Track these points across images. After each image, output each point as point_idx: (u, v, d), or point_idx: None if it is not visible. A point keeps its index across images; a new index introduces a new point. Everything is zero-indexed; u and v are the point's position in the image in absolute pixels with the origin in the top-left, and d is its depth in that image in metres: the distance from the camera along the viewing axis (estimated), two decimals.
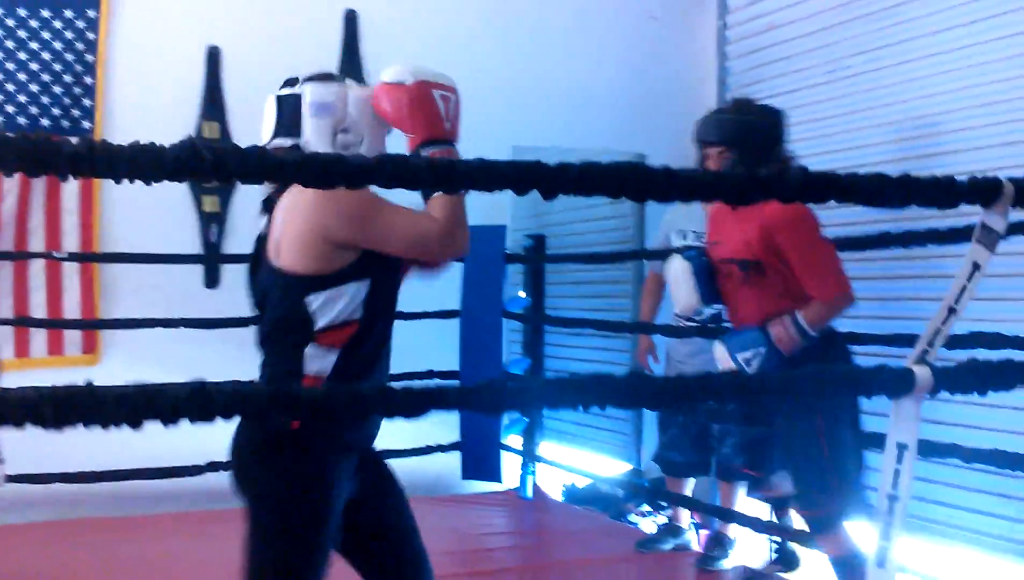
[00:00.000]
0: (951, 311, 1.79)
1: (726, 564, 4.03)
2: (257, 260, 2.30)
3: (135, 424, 1.25)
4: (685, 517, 4.41)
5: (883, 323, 3.85)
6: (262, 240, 2.26)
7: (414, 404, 1.32)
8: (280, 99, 2.19)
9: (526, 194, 1.56)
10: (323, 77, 2.23)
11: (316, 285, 2.08)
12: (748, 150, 2.97)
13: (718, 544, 4.10)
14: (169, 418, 1.27)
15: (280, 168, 1.35)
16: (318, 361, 2.10)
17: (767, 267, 2.91)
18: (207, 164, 1.26)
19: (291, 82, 2.21)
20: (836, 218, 4.50)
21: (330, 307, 2.09)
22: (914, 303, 4.19)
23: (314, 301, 2.09)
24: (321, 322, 2.09)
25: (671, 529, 4.46)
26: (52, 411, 1.20)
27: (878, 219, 4.20)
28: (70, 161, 1.19)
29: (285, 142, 2.15)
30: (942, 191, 1.81)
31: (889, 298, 4.34)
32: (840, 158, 4.63)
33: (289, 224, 2.11)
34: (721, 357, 2.96)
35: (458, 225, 2.06)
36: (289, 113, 2.16)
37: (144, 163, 1.23)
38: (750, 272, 2.92)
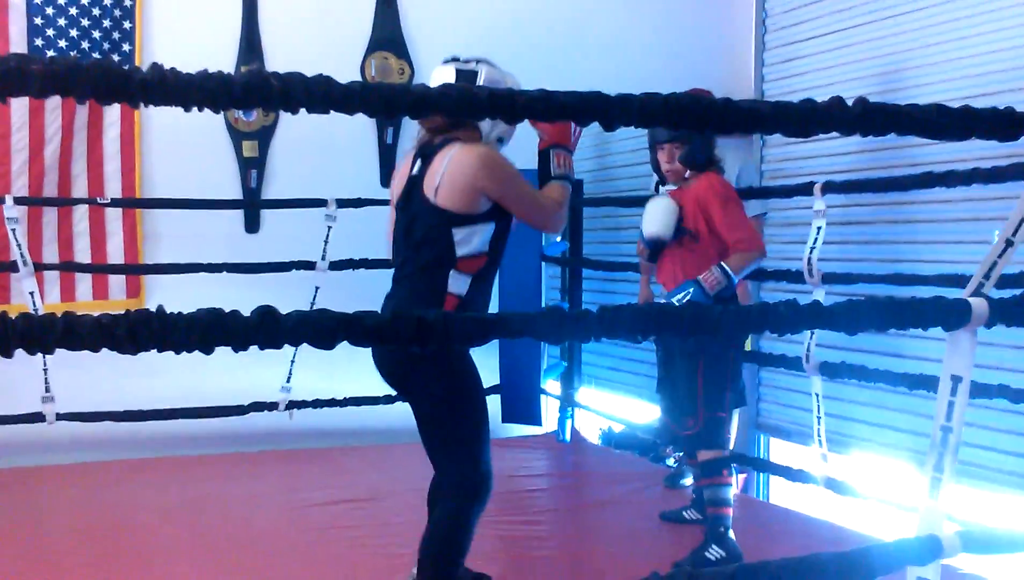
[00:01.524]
0: (1008, 243, 1.77)
1: (689, 480, 4.50)
2: (408, 195, 2.83)
3: (207, 348, 1.27)
4: None
5: (935, 266, 3.82)
6: (414, 180, 2.81)
7: (478, 331, 1.33)
8: (459, 72, 2.83)
9: (587, 125, 1.55)
10: (485, 61, 2.89)
11: (460, 221, 2.72)
12: (694, 140, 3.59)
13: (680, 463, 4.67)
14: (239, 343, 1.29)
15: (345, 98, 1.35)
16: (457, 283, 2.73)
17: (699, 233, 3.57)
18: (274, 92, 1.27)
19: (454, 59, 2.87)
20: (886, 160, 4.47)
21: (468, 240, 2.73)
22: (960, 247, 4.14)
23: (457, 233, 2.72)
24: (461, 251, 2.72)
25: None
26: (126, 333, 1.22)
27: (924, 162, 4.16)
28: (141, 88, 1.20)
29: None
30: (1004, 123, 1.78)
31: (939, 241, 4.30)
32: (884, 99, 4.55)
33: (450, 174, 2.70)
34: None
35: (562, 207, 2.81)
36: (467, 83, 2.78)
37: (213, 90, 1.24)
38: (687, 237, 3.60)
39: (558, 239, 5.57)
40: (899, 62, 4.61)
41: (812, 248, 3.75)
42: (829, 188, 3.79)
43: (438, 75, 2.86)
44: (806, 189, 3.86)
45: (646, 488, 4.58)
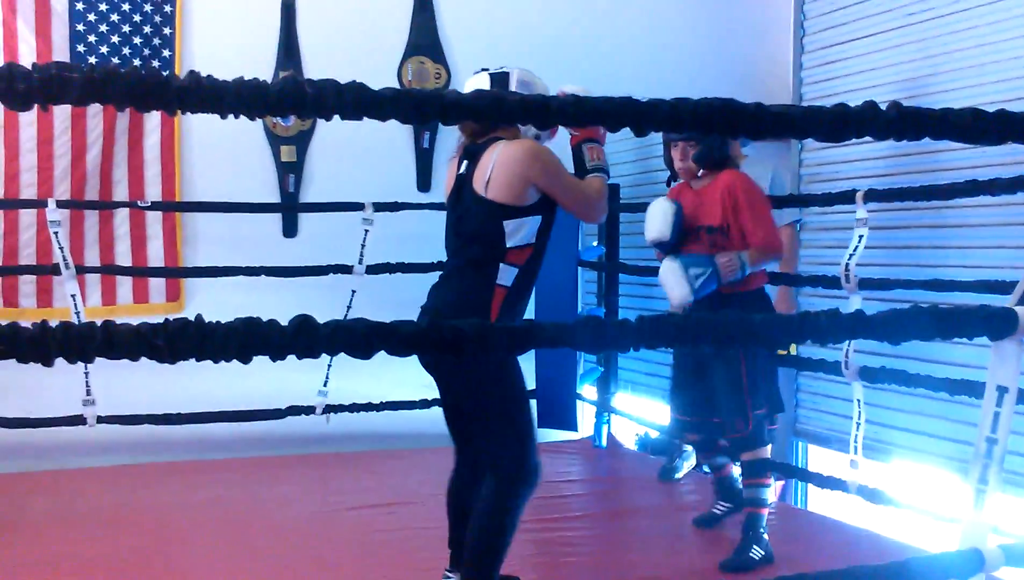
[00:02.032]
0: None
1: (682, 474, 4.77)
2: (459, 193, 2.97)
3: (244, 358, 1.28)
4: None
5: (975, 272, 3.76)
6: (463, 179, 2.95)
7: (514, 342, 1.32)
8: (492, 75, 2.97)
9: (618, 130, 1.54)
10: (523, 69, 3.04)
11: (511, 213, 2.83)
12: (710, 138, 3.59)
13: (678, 456, 4.82)
14: (276, 353, 1.29)
15: (378, 104, 1.35)
16: (506, 275, 2.86)
17: (729, 229, 3.56)
18: (309, 98, 1.27)
19: (485, 70, 3.00)
20: (924, 164, 4.41)
21: (516, 232, 2.84)
22: (1006, 252, 4.07)
23: (507, 225, 2.83)
24: (510, 242, 2.84)
25: (680, 454, 4.86)
26: (165, 342, 1.22)
27: (962, 166, 4.10)
28: (178, 95, 1.21)
29: None
30: None
31: (981, 246, 4.23)
32: (924, 104, 4.49)
33: (500, 167, 2.82)
34: (671, 269, 3.54)
35: (603, 197, 2.93)
36: (498, 86, 2.95)
37: (249, 97, 1.24)
38: (716, 235, 3.60)
39: (594, 244, 5.56)
40: (937, 65, 4.55)
41: (852, 254, 3.70)
42: (871, 196, 3.74)
43: (472, 83, 2.97)
44: (848, 197, 3.81)
45: (682, 494, 4.55)
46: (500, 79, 2.95)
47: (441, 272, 3.11)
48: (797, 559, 3.59)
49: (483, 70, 3.01)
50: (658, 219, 3.66)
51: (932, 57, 4.58)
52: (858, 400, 3.75)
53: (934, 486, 4.34)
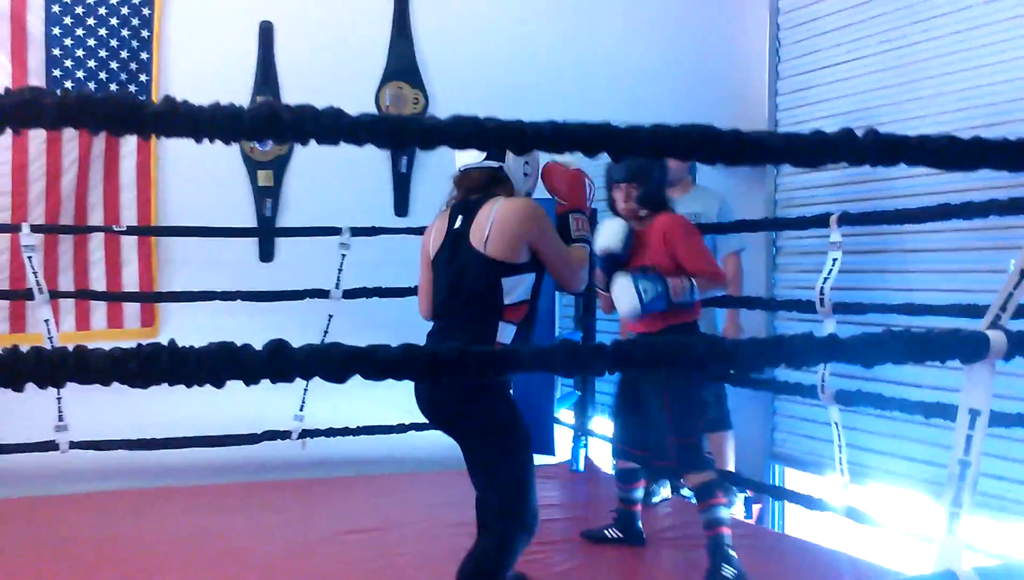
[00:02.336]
0: None
1: (659, 498, 4.81)
2: (453, 249, 2.99)
3: (217, 382, 1.27)
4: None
5: (947, 296, 3.80)
6: (459, 234, 2.97)
7: (492, 365, 1.32)
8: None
9: (595, 156, 1.55)
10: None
11: (509, 270, 2.87)
12: (651, 181, 3.79)
13: (654, 482, 4.82)
14: (250, 377, 1.29)
15: (354, 129, 1.35)
16: (505, 333, 2.88)
17: (665, 268, 3.65)
18: (285, 124, 1.27)
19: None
20: (898, 189, 4.46)
21: (514, 289, 2.88)
22: (977, 275, 4.12)
23: (506, 283, 2.87)
24: (507, 300, 2.87)
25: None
26: (137, 367, 1.22)
27: (937, 191, 4.15)
28: (153, 120, 1.21)
29: (493, 164, 3.00)
30: (1015, 153, 1.77)
31: (953, 270, 4.28)
32: (897, 129, 4.56)
33: (499, 224, 2.87)
34: (623, 283, 3.58)
35: (585, 268, 3.04)
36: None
37: (224, 122, 1.24)
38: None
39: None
40: (910, 91, 4.61)
41: (826, 278, 3.73)
42: (845, 220, 3.77)
43: (461, 157, 3.10)
44: (822, 221, 3.84)
45: (661, 520, 4.54)
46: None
47: (432, 328, 3.10)
48: None
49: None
50: (612, 232, 3.74)
51: (905, 84, 4.64)
52: (836, 423, 3.77)
53: (910, 508, 4.36)
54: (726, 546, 3.54)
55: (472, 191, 3.01)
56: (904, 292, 4.32)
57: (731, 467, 4.81)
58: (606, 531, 4.17)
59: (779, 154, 1.74)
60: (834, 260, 3.72)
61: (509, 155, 3.00)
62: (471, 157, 3.04)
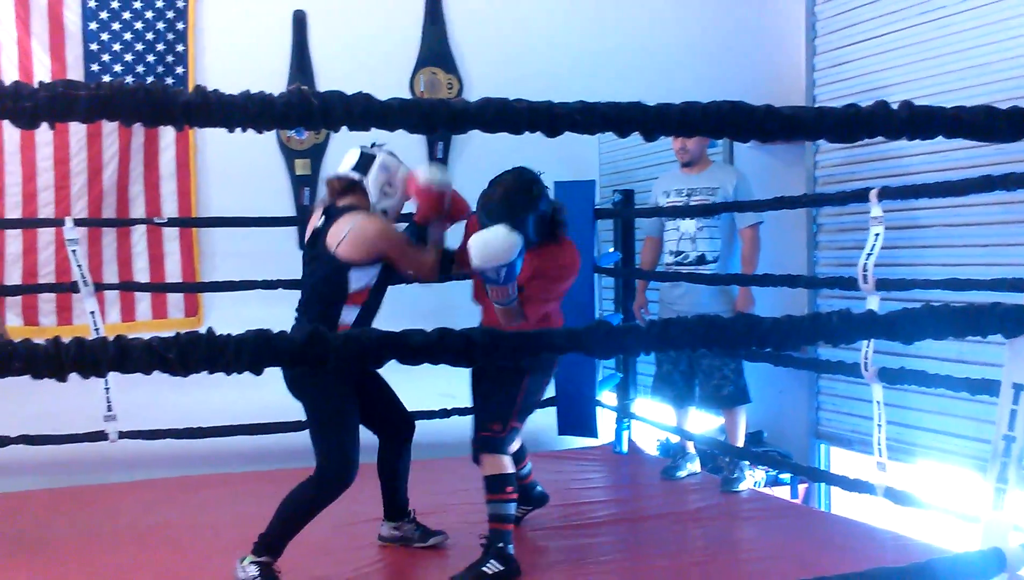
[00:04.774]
0: None
1: (685, 473, 4.92)
2: (314, 242, 3.46)
3: (256, 369, 1.28)
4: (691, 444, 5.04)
5: (989, 270, 3.73)
6: (319, 231, 3.43)
7: (526, 346, 1.32)
8: (363, 153, 3.49)
9: (628, 135, 1.54)
10: (390, 153, 3.55)
11: (356, 266, 3.36)
12: (520, 221, 3.36)
13: (681, 457, 4.99)
14: (288, 363, 1.30)
15: (384, 114, 1.35)
16: (348, 314, 3.41)
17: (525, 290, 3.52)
18: (315, 110, 1.28)
19: (375, 144, 3.48)
20: (937, 163, 4.38)
21: (358, 279, 3.39)
22: (1013, 249, 4.04)
23: (351, 275, 3.37)
24: (352, 288, 3.38)
25: (683, 454, 5.00)
26: (177, 355, 1.23)
27: (978, 164, 4.07)
28: (185, 110, 1.22)
29: (354, 175, 3.45)
30: None
31: (995, 244, 4.20)
32: (939, 103, 4.47)
33: (353, 237, 3.33)
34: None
35: (433, 271, 3.58)
36: (365, 163, 3.47)
37: (255, 110, 1.25)
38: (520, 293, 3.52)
39: (611, 250, 5.55)
40: (947, 64, 4.52)
41: (869, 254, 3.67)
42: (885, 194, 3.71)
43: (347, 158, 3.49)
44: (862, 196, 3.78)
45: (704, 499, 4.53)
46: (366, 161, 3.45)
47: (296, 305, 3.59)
48: (822, 562, 3.56)
49: (360, 147, 3.48)
50: (505, 244, 3.31)
51: (943, 56, 4.55)
52: (878, 402, 3.72)
53: (958, 486, 4.31)
54: (503, 543, 3.48)
55: (337, 195, 3.46)
56: (946, 267, 4.24)
57: (740, 443, 4.78)
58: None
59: (811, 129, 1.72)
60: (876, 235, 3.65)
61: (372, 170, 3.44)
62: (344, 165, 3.49)
